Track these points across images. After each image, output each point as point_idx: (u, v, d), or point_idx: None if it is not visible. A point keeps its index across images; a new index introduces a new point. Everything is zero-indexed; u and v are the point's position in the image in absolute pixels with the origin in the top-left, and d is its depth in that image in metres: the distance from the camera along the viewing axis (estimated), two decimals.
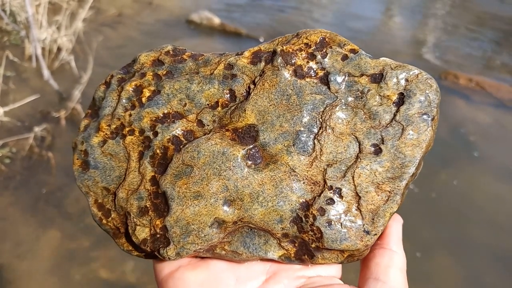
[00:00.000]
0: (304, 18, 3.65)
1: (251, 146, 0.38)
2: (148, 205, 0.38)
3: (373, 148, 0.37)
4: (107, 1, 3.52)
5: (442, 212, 1.96)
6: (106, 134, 0.40)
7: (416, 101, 0.37)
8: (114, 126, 0.40)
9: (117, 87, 0.41)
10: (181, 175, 0.37)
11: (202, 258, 0.40)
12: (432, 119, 0.37)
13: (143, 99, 0.40)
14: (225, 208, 0.37)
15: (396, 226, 0.39)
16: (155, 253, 0.37)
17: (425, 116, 0.37)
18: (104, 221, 0.39)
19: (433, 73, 2.96)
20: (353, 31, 3.51)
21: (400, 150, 0.36)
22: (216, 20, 3.35)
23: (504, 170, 2.20)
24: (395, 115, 0.37)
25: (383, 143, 0.36)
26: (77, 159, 0.40)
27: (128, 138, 0.39)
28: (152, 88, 0.40)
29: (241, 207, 0.37)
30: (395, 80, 0.37)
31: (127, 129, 0.39)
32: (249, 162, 0.37)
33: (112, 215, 0.39)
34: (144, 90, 0.40)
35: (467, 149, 2.33)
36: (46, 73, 2.18)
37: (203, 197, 0.37)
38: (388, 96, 0.37)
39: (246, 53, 0.40)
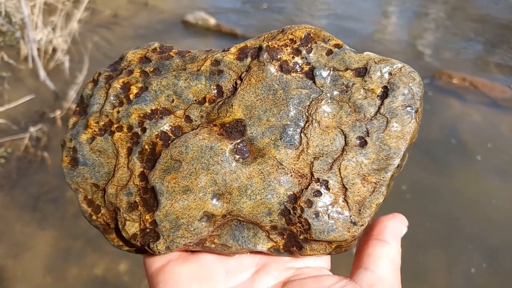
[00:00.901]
0: (300, 19, 3.67)
1: (238, 141, 0.38)
2: (137, 200, 0.38)
3: (358, 141, 0.37)
4: (102, 2, 3.53)
5: (434, 209, 1.98)
6: (94, 131, 0.40)
7: (399, 94, 0.37)
8: (102, 123, 0.40)
9: (104, 84, 0.41)
10: (169, 170, 0.37)
11: (192, 252, 0.40)
12: (416, 111, 0.37)
13: (131, 96, 0.40)
14: (214, 201, 0.37)
15: (395, 222, 0.39)
16: (145, 247, 0.38)
17: (408, 109, 0.37)
18: (94, 217, 0.39)
19: (427, 73, 2.99)
20: (349, 31, 3.53)
21: (385, 142, 0.37)
22: (212, 21, 3.36)
23: (497, 169, 2.22)
24: (379, 108, 0.37)
25: (368, 136, 0.37)
26: (66, 156, 0.40)
27: (117, 134, 0.39)
28: (140, 85, 0.40)
29: (229, 200, 0.37)
30: (378, 73, 0.38)
31: (115, 125, 0.39)
32: (237, 156, 0.38)
33: (102, 211, 0.39)
34: (131, 87, 0.40)
35: (460, 148, 2.35)
36: (42, 73, 2.19)
37: (192, 191, 0.37)
38: (372, 89, 0.38)
39: (233, 49, 0.40)
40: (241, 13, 3.66)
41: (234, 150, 0.38)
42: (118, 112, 0.39)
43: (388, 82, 0.38)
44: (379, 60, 0.38)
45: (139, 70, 0.41)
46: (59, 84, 2.36)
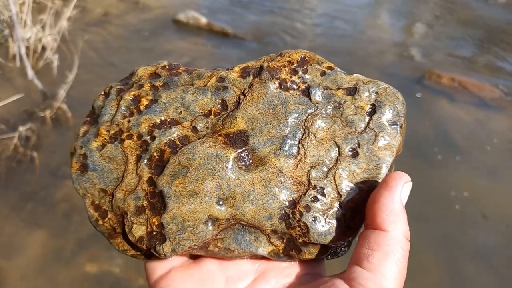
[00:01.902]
0: (291, 19, 3.68)
1: (242, 150, 0.41)
2: (145, 204, 0.40)
3: (350, 152, 0.41)
4: (92, 0, 3.49)
5: (423, 209, 2.00)
6: (105, 139, 0.42)
7: (386, 110, 0.41)
8: (113, 132, 0.42)
9: (116, 96, 0.44)
10: (177, 175, 0.39)
11: (194, 259, 0.42)
12: (400, 127, 0.42)
13: (141, 107, 0.43)
14: (219, 206, 0.39)
15: (389, 195, 0.36)
16: (151, 250, 0.39)
17: (394, 124, 0.41)
18: (100, 222, 0.41)
19: (417, 73, 3.02)
20: (340, 31, 3.55)
21: (374, 153, 0.40)
22: (203, 20, 3.35)
23: (486, 168, 2.25)
24: (368, 123, 0.41)
25: (359, 147, 0.41)
26: (76, 162, 0.42)
27: (127, 142, 0.42)
28: (150, 97, 0.43)
29: (233, 205, 0.39)
30: (367, 93, 0.42)
31: (125, 134, 0.42)
32: (241, 164, 0.40)
33: (109, 216, 0.40)
34: (142, 99, 0.43)
35: (449, 147, 2.38)
36: (30, 72, 2.16)
37: (198, 195, 0.39)
38: (362, 106, 0.42)
39: (236, 68, 0.44)
40: (232, 12, 3.66)
41: (238, 158, 0.40)
42: (129, 121, 0.42)
43: (375, 100, 0.42)
44: (367, 81, 0.43)
45: (149, 85, 0.44)
46: (48, 83, 2.34)
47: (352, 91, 0.42)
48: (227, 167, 0.39)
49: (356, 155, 0.40)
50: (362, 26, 3.74)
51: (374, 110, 0.41)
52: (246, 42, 3.23)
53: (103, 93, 0.45)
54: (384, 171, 0.40)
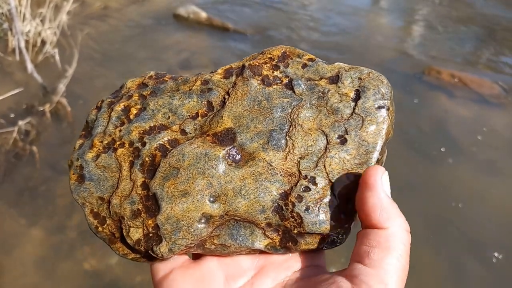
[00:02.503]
0: (291, 13, 3.67)
1: (230, 147, 0.41)
2: (140, 208, 0.41)
3: (339, 139, 0.41)
4: None
5: (422, 203, 2.01)
6: (99, 149, 0.44)
7: (370, 95, 0.41)
8: (106, 142, 0.44)
9: (107, 109, 0.46)
10: (168, 177, 0.41)
11: (194, 259, 0.43)
12: (388, 109, 0.42)
13: (131, 116, 0.45)
14: (211, 203, 0.40)
15: (374, 195, 0.36)
16: (149, 251, 0.40)
17: (380, 108, 0.41)
18: (100, 229, 0.42)
19: (416, 69, 3.02)
20: (339, 27, 3.54)
21: (363, 138, 0.40)
22: (203, 15, 3.34)
23: (485, 164, 2.26)
24: (354, 109, 0.41)
25: (347, 134, 0.40)
26: (73, 174, 0.44)
27: (119, 150, 0.43)
28: (139, 106, 0.45)
29: (225, 201, 0.40)
30: (350, 79, 0.42)
31: (117, 143, 0.44)
32: (230, 161, 0.41)
33: (107, 222, 0.42)
34: (131, 108, 0.45)
35: (448, 143, 2.38)
36: (29, 66, 2.16)
37: (190, 194, 0.40)
38: (346, 93, 0.42)
39: (219, 70, 0.46)
40: (233, 7, 3.64)
41: (227, 155, 0.41)
42: (120, 131, 0.44)
43: (359, 86, 0.42)
44: (349, 68, 0.43)
45: (137, 94, 0.46)
46: (48, 77, 2.33)
47: (335, 79, 0.43)
48: (216, 165, 0.40)
49: (345, 142, 0.40)
50: (362, 22, 3.73)
51: (358, 95, 0.41)
52: (247, 37, 3.22)
53: (95, 107, 0.47)
54: (375, 155, 0.40)
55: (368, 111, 0.41)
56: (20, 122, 2.02)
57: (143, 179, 0.42)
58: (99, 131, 0.45)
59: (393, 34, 3.57)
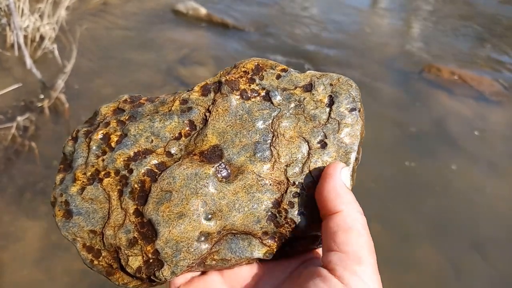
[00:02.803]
0: (291, 11, 3.65)
1: (218, 164, 0.42)
2: (136, 236, 0.41)
3: (319, 144, 0.43)
4: None
5: (422, 200, 2.01)
6: (83, 182, 0.43)
7: (343, 99, 0.44)
8: (89, 173, 0.43)
9: (84, 139, 0.44)
10: (162, 201, 0.41)
11: (198, 276, 0.43)
12: (359, 111, 0.44)
13: (112, 144, 0.44)
14: (208, 221, 0.41)
15: (331, 182, 0.39)
16: (151, 277, 0.41)
17: (353, 110, 0.44)
18: (95, 262, 0.42)
19: (416, 66, 3.01)
20: (341, 24, 3.53)
21: (341, 141, 0.43)
22: (203, 11, 3.32)
23: (485, 162, 2.26)
24: (329, 114, 0.44)
25: (326, 138, 0.43)
26: (59, 210, 0.43)
27: (105, 180, 0.42)
28: (119, 133, 0.44)
29: (221, 217, 0.41)
30: (322, 86, 0.44)
31: (102, 173, 0.43)
32: (220, 177, 0.42)
33: (103, 254, 0.42)
34: (111, 136, 0.44)
35: (448, 140, 2.38)
36: (28, 61, 2.15)
37: (186, 215, 0.41)
38: (320, 100, 0.44)
39: (196, 88, 0.45)
40: (232, 3, 3.63)
41: (216, 172, 0.42)
42: (103, 160, 0.43)
43: (331, 92, 0.44)
44: (320, 75, 0.45)
45: (115, 121, 0.45)
46: (47, 72, 2.32)
47: (309, 87, 0.44)
48: (208, 183, 0.41)
49: (325, 146, 0.43)
50: (362, 19, 3.72)
51: (332, 101, 0.44)
52: (246, 34, 3.21)
53: (70, 138, 0.46)
54: (353, 155, 0.43)
55: (343, 115, 0.44)
56: (19, 118, 2.01)
57: (135, 207, 0.41)
58: (80, 162, 0.43)
59: (393, 31, 3.56)
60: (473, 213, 1.97)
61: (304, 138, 0.43)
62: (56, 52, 2.43)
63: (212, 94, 0.45)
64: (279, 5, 3.69)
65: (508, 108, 2.72)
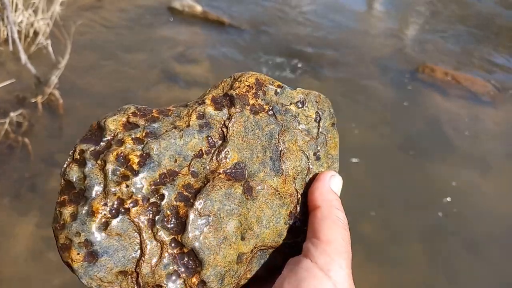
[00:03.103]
0: (287, 9, 3.66)
1: (244, 180, 0.42)
2: (176, 269, 0.38)
3: (314, 156, 0.46)
4: None
5: (415, 200, 2.03)
6: (104, 214, 0.37)
7: (326, 115, 0.48)
8: (111, 203, 0.37)
9: (95, 161, 0.38)
10: (202, 227, 0.38)
11: None
12: (335, 125, 0.49)
13: (134, 166, 0.38)
14: (243, 241, 0.41)
15: (319, 183, 0.44)
16: None
17: (333, 124, 0.48)
18: None
19: (411, 66, 3.03)
20: (336, 23, 3.54)
21: (328, 152, 0.47)
22: (198, 8, 3.32)
23: (476, 161, 2.29)
24: (318, 128, 0.47)
25: (319, 151, 0.47)
26: (78, 254, 0.36)
27: (133, 210, 0.37)
28: (138, 152, 0.38)
29: (252, 235, 0.42)
30: (311, 103, 0.47)
31: (128, 201, 0.37)
32: (247, 195, 0.42)
33: None
34: (130, 156, 0.38)
35: (441, 140, 2.40)
36: (23, 57, 2.13)
37: (227, 238, 0.39)
38: (310, 115, 0.47)
39: (207, 101, 0.44)
40: (229, 1, 3.62)
41: (244, 190, 0.42)
42: (127, 186, 0.37)
43: (318, 108, 0.47)
44: (307, 92, 0.48)
45: (130, 138, 0.39)
46: (40, 68, 2.31)
47: (301, 104, 0.47)
48: (240, 202, 0.41)
49: (319, 158, 0.46)
50: (358, 19, 3.73)
51: (319, 116, 0.47)
52: (242, 32, 3.21)
53: (71, 159, 0.38)
54: (337, 164, 0.48)
55: (328, 130, 0.47)
56: (12, 114, 2.00)
57: (171, 236, 0.38)
58: (97, 191, 0.37)
59: (388, 31, 3.58)
60: (464, 211, 1.99)
61: (303, 151, 0.45)
62: (50, 48, 2.42)
63: (226, 109, 0.43)
64: (274, 4, 3.69)
65: (500, 109, 2.75)
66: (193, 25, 3.22)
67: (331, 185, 0.43)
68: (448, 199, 2.04)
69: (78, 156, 0.38)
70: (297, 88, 0.47)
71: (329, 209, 0.41)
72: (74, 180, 0.38)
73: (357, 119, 2.47)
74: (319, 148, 0.46)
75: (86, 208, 0.36)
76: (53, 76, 2.18)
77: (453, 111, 2.66)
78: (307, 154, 0.45)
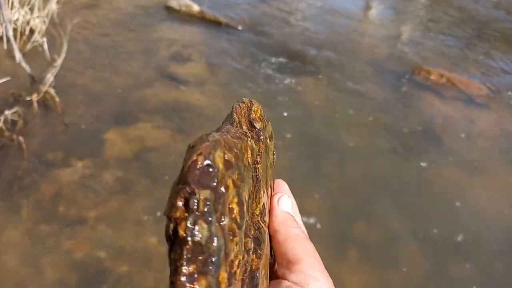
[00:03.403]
0: (284, 9, 3.66)
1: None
2: None
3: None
4: None
5: (409, 202, 2.04)
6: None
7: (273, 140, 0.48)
8: (233, 270, 0.29)
9: (214, 213, 0.28)
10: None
11: None
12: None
13: (237, 218, 0.30)
14: None
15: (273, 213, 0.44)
16: None
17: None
18: None
19: (406, 68, 3.04)
20: (332, 25, 3.55)
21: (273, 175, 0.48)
22: (195, 8, 3.32)
23: (470, 164, 2.30)
24: (274, 155, 0.47)
25: (272, 179, 0.47)
26: None
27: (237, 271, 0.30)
28: (236, 199, 0.31)
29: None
30: (272, 133, 0.47)
31: (253, 263, 0.34)
32: None
33: None
34: (231, 205, 0.30)
35: (436, 143, 2.42)
36: (18, 55, 2.12)
37: None
38: (273, 144, 0.47)
39: (248, 133, 0.40)
40: (226, 1, 3.62)
41: None
42: (236, 244, 0.30)
43: (270, 134, 0.46)
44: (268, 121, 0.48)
45: (230, 181, 0.31)
46: (36, 66, 2.30)
47: (271, 136, 0.46)
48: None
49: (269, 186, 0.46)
50: (354, 20, 3.74)
51: (274, 144, 0.47)
52: (239, 32, 3.21)
53: (198, 214, 0.27)
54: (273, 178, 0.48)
55: (275, 153, 0.48)
56: (7, 112, 1.99)
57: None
58: (222, 256, 0.28)
59: (384, 33, 3.59)
60: (458, 213, 2.00)
61: (269, 184, 0.44)
62: (46, 46, 2.41)
63: (257, 144, 0.40)
64: (271, 5, 3.69)
65: (494, 111, 2.77)
66: (190, 24, 3.22)
67: (281, 208, 0.43)
68: (442, 201, 2.05)
69: (197, 206, 0.27)
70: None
71: (285, 229, 0.42)
72: (203, 239, 0.27)
73: (352, 121, 2.48)
74: (273, 174, 0.45)
75: (213, 280, 0.27)
76: (48, 74, 2.17)
77: (448, 113, 2.68)
78: (271, 185, 0.44)
